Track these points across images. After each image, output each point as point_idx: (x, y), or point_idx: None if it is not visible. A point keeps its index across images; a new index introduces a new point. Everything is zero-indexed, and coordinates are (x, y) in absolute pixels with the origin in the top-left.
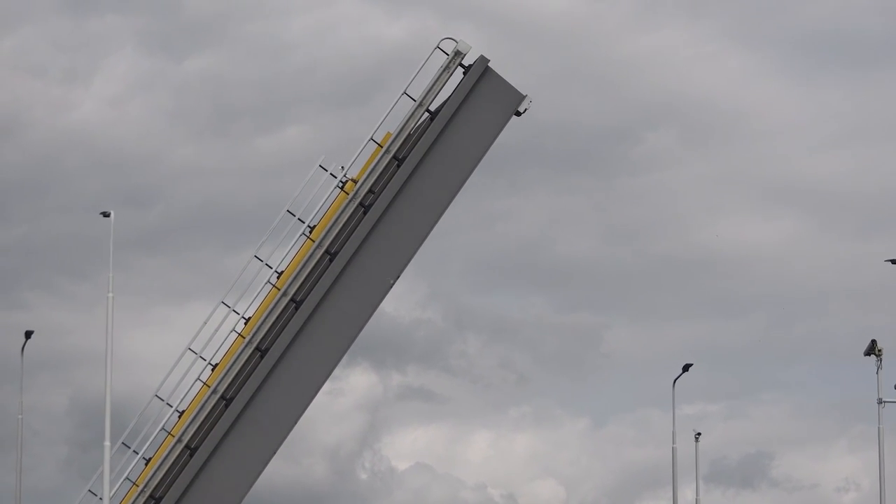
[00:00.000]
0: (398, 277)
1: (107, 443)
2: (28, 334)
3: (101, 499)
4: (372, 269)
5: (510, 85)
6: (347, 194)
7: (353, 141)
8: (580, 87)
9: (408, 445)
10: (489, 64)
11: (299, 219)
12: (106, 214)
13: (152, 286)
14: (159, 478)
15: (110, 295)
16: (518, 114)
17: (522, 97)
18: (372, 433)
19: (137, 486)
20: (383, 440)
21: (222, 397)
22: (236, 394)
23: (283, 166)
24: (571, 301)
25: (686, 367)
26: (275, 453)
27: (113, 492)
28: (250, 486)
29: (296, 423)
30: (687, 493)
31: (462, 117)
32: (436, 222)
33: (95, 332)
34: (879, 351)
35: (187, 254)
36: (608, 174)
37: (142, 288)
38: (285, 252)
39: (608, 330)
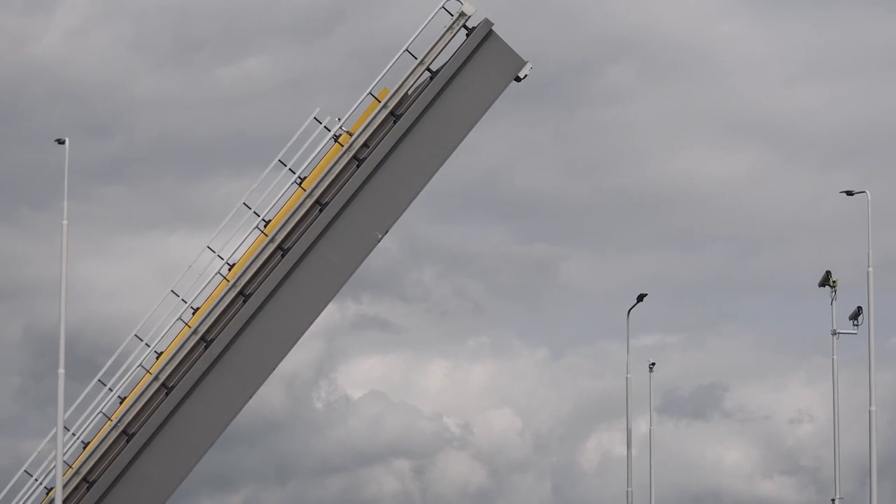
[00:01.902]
0: (386, 232)
1: (61, 370)
2: None
3: (74, 434)
4: (361, 222)
5: (512, 50)
6: (342, 146)
7: (315, 73)
8: (543, 19)
9: (363, 374)
10: (493, 27)
11: (290, 169)
12: (61, 142)
13: (112, 216)
14: (133, 414)
15: (65, 222)
16: (518, 79)
17: (524, 63)
18: (328, 361)
19: (112, 420)
20: (339, 369)
21: (202, 339)
22: (217, 336)
23: (245, 97)
24: (529, 232)
25: (640, 297)
26: (251, 397)
27: (87, 427)
28: (224, 427)
29: (273, 369)
30: (641, 425)
31: (462, 79)
32: (428, 180)
33: (53, 262)
34: (834, 282)
35: (147, 184)
36: (569, 107)
37: (101, 217)
38: (274, 200)
39: (565, 262)
